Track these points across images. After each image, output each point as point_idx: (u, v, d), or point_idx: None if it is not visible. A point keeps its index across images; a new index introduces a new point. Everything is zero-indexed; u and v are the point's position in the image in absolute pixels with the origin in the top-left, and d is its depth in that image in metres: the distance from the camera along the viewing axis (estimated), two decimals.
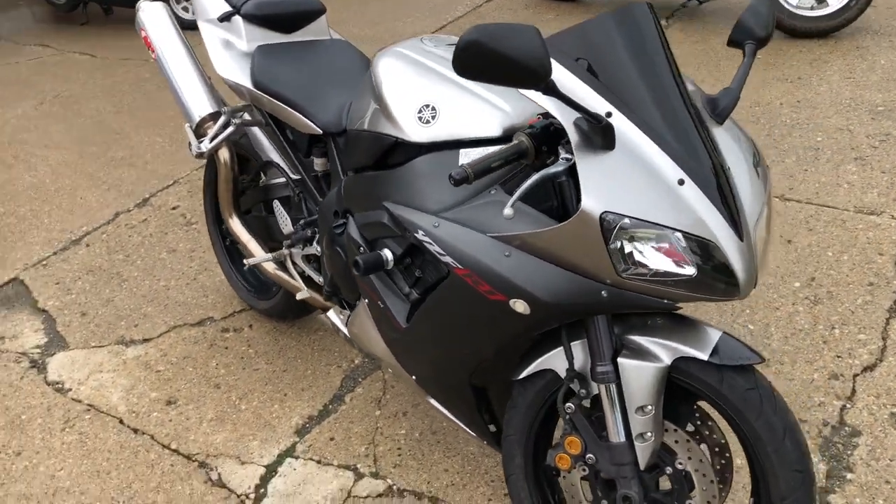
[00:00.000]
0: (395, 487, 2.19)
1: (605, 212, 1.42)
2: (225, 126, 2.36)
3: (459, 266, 1.65)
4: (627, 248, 1.45)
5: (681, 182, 1.47)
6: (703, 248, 1.46)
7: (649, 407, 1.63)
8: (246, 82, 2.33)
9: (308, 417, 2.44)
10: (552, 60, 1.53)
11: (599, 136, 1.45)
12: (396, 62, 1.90)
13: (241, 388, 2.57)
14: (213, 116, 2.39)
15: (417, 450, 2.30)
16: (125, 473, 2.29)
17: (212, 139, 2.36)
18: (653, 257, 1.45)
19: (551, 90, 1.39)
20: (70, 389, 2.61)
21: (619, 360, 1.62)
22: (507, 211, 1.44)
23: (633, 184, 1.46)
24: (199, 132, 2.40)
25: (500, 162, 1.49)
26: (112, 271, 3.20)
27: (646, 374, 1.61)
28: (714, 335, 1.65)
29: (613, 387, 1.64)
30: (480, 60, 1.31)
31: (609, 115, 1.49)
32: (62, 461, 2.34)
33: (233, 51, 2.40)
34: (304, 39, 2.48)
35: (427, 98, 1.77)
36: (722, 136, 1.62)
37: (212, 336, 2.80)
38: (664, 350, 1.62)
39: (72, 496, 2.23)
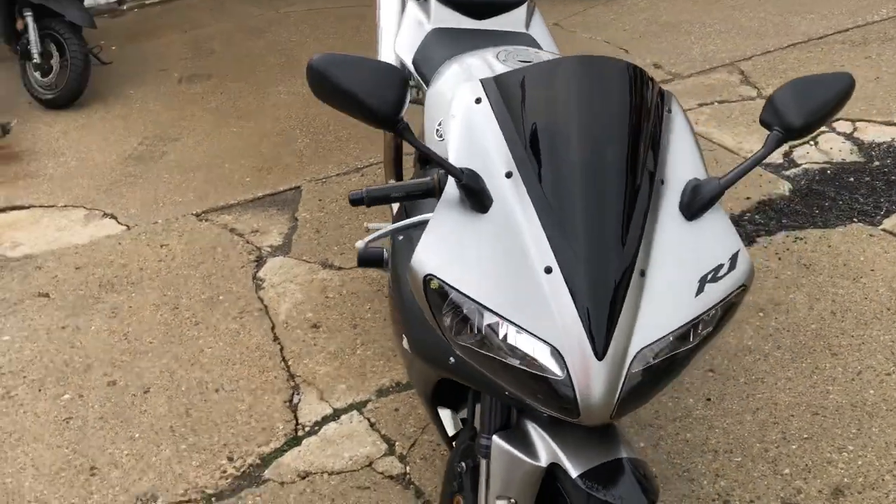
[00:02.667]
0: (408, 477, 2.25)
1: (430, 275, 1.30)
2: None
3: (391, 285, 1.64)
4: (455, 319, 1.31)
5: (548, 270, 1.27)
6: (542, 352, 1.25)
7: (512, 501, 1.46)
8: (408, 62, 2.43)
9: (396, 383, 2.58)
10: (485, 97, 1.40)
11: (464, 194, 1.32)
12: (448, 71, 1.86)
13: (369, 334, 2.79)
14: None
15: None
16: (243, 369, 2.70)
17: None
18: (483, 340, 1.29)
19: (401, 134, 1.30)
20: (262, 288, 3.10)
21: (495, 438, 1.48)
22: (358, 244, 1.40)
23: (485, 256, 1.30)
24: None
25: (401, 194, 1.44)
26: None
27: (514, 465, 1.45)
28: (615, 453, 1.40)
29: (486, 465, 1.51)
30: (325, 88, 1.29)
31: (509, 175, 1.34)
32: (215, 342, 2.83)
33: (417, 29, 2.51)
34: (488, 29, 2.48)
35: (443, 116, 1.73)
36: (675, 234, 1.33)
37: (385, 282, 3.05)
38: (546, 448, 1.43)
39: (202, 372, 2.71)
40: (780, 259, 2.94)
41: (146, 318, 2.98)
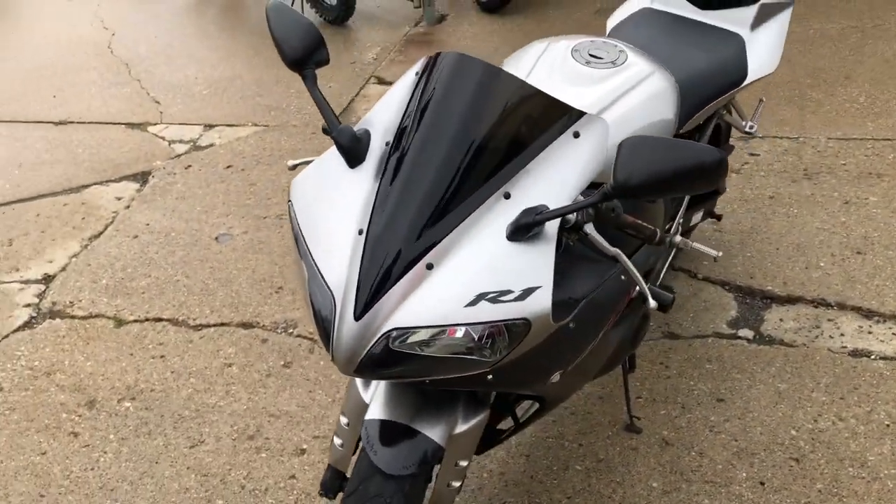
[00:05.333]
0: None
1: (290, 201, 1.53)
2: None
3: None
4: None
5: (360, 232, 1.43)
6: (325, 296, 1.42)
7: (345, 421, 1.68)
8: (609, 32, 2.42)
9: None
10: (422, 72, 1.53)
11: (336, 147, 1.50)
12: (531, 48, 1.91)
13: None
14: None
15: None
16: None
17: None
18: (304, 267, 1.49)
19: (304, 81, 1.52)
20: None
21: None
22: (289, 163, 1.66)
23: (331, 203, 1.48)
24: None
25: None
26: None
27: (353, 390, 1.68)
28: (414, 423, 1.53)
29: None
30: (267, 29, 1.57)
31: (387, 143, 1.49)
32: None
33: (635, 2, 2.46)
34: (699, 20, 2.32)
35: None
36: (484, 246, 1.36)
37: None
38: (375, 388, 1.62)
39: None
40: None
41: None
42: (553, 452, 2.26)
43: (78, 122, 4.49)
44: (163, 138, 4.27)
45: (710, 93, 2.14)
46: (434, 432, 1.54)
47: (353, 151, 1.50)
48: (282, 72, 4.89)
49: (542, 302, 1.33)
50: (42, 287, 3.14)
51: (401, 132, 1.47)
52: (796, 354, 2.52)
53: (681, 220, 2.42)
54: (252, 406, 2.52)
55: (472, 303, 1.34)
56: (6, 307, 3.04)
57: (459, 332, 1.35)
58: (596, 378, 1.99)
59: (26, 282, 3.18)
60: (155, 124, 4.42)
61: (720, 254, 2.52)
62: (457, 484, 1.68)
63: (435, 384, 1.46)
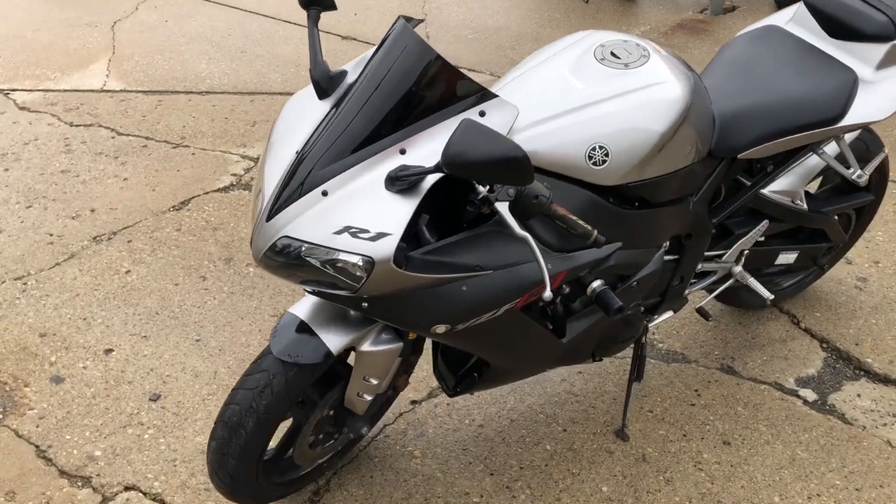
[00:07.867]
0: None
1: (276, 118, 1.82)
2: None
3: None
4: None
5: (297, 152, 1.68)
6: (262, 196, 1.71)
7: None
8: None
9: None
10: (410, 29, 1.71)
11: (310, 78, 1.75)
12: (577, 35, 1.96)
13: None
14: None
15: None
16: None
17: None
18: None
19: (308, 20, 1.77)
20: None
21: None
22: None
23: (295, 122, 1.74)
24: None
25: None
26: None
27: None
28: (315, 326, 1.79)
29: None
30: None
31: (351, 83, 1.71)
32: None
33: (770, 19, 2.30)
34: (823, 50, 2.14)
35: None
36: (367, 188, 1.57)
37: None
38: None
39: None
40: None
41: None
42: (536, 427, 2.35)
43: (357, 40, 5.13)
44: None
45: (790, 124, 2.00)
46: (330, 340, 1.78)
47: (324, 86, 1.74)
48: (544, 30, 5.10)
49: (387, 247, 1.50)
50: (251, 164, 3.79)
51: (358, 78, 1.69)
52: (843, 432, 2.28)
53: (745, 251, 2.29)
54: None
55: (339, 232, 1.55)
56: (219, 171, 3.73)
57: (330, 254, 1.57)
58: (559, 367, 2.06)
59: (244, 157, 3.85)
60: None
61: (772, 297, 2.37)
62: (368, 396, 1.91)
63: (322, 295, 1.70)
